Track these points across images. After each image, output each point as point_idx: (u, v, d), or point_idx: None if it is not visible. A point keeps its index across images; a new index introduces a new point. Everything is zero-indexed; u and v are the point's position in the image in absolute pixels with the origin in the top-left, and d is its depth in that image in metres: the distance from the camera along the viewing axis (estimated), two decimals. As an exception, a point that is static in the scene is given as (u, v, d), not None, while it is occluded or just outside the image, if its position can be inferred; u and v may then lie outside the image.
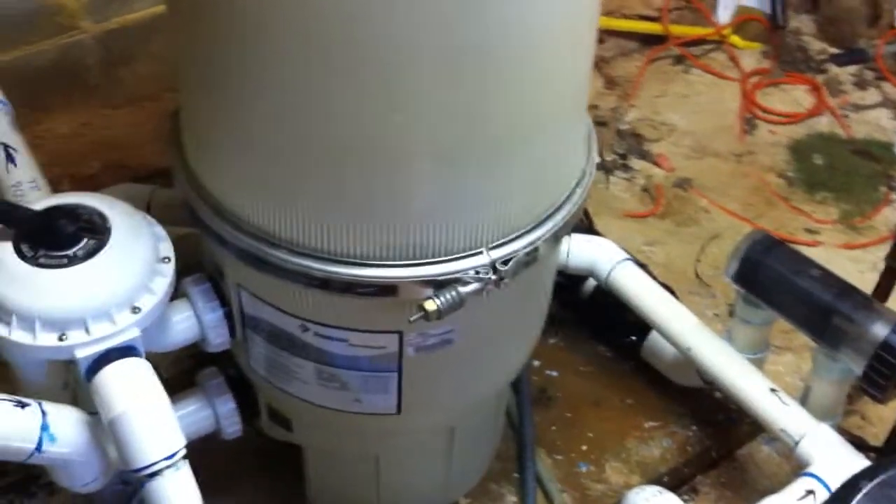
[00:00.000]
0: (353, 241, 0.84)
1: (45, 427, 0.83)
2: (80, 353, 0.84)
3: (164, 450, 0.82)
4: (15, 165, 1.06)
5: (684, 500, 1.04)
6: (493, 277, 0.85)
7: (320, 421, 1.03)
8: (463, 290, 0.84)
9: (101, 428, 0.87)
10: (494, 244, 0.86)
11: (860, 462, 1.02)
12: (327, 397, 0.98)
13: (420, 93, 0.76)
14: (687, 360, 1.18)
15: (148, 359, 0.88)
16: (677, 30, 2.00)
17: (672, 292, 1.24)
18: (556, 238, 0.91)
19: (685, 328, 1.18)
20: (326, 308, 0.89)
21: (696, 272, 1.53)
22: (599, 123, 1.76)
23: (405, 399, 0.97)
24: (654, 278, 1.25)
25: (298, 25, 0.74)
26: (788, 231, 1.61)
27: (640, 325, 1.27)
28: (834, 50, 2.01)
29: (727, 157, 1.76)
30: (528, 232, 0.88)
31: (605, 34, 1.95)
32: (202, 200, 0.90)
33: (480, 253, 0.85)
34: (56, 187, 1.09)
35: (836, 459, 1.03)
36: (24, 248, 0.85)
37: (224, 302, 0.97)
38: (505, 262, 0.86)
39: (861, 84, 1.94)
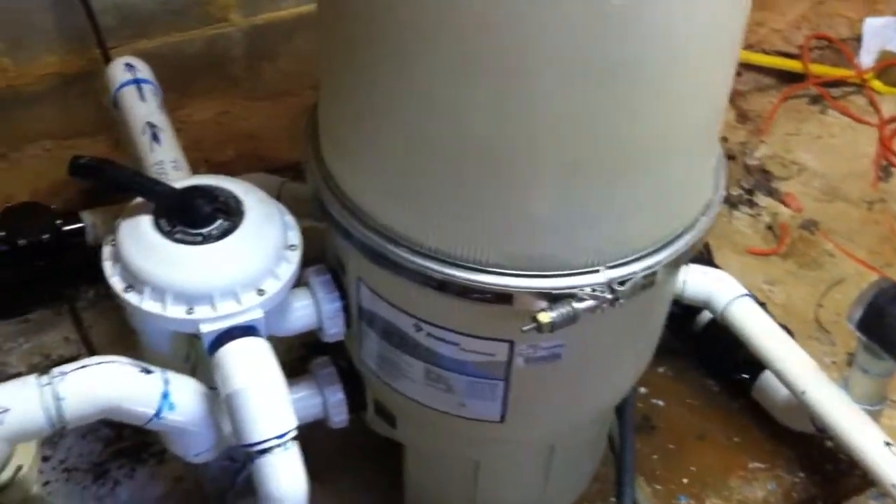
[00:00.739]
0: (473, 247, 0.85)
1: (165, 395, 0.86)
2: (205, 328, 0.88)
3: (276, 428, 0.84)
4: (159, 144, 1.11)
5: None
6: (609, 297, 0.85)
7: (424, 421, 1.04)
8: (577, 305, 0.84)
9: (217, 402, 0.90)
10: (613, 263, 0.86)
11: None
12: (433, 398, 1.00)
13: (553, 105, 0.76)
14: (800, 404, 1.15)
15: (266, 341, 0.91)
16: (817, 69, 1.96)
17: (790, 334, 1.22)
18: (675, 264, 0.91)
19: (801, 371, 1.15)
20: (441, 310, 0.90)
21: (816, 317, 1.49)
22: (728, 156, 1.73)
23: (509, 409, 0.98)
24: (772, 318, 1.23)
25: (437, 30, 0.75)
26: (917, 283, 1.55)
27: (753, 364, 1.25)
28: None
29: (858, 202, 1.71)
30: (647, 255, 0.88)
31: (742, 67, 1.92)
32: (332, 195, 0.92)
33: (598, 271, 0.85)
34: (193, 170, 1.14)
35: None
36: (163, 223, 0.90)
37: (343, 294, 1.00)
38: (622, 283, 0.85)
39: None
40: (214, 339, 0.88)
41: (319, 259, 1.01)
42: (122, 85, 1.20)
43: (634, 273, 0.86)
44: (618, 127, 0.78)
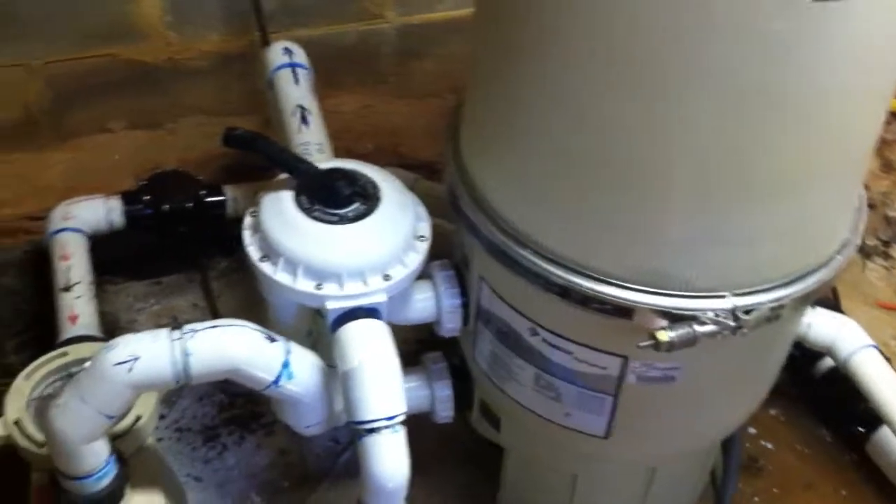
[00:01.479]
0: (599, 257, 0.85)
1: (286, 364, 0.89)
2: (331, 305, 0.91)
3: (387, 409, 0.86)
4: (307, 127, 1.15)
5: None
6: (732, 324, 0.84)
7: (528, 427, 1.04)
8: (699, 328, 0.83)
9: (333, 378, 0.93)
10: (740, 291, 0.85)
11: None
12: (540, 404, 1.00)
13: (701, 125, 0.76)
14: (916, 465, 1.12)
15: (384, 327, 0.93)
16: (973, 126, 1.88)
17: (914, 392, 1.18)
18: (804, 300, 0.89)
19: (923, 433, 1.12)
20: (559, 317, 0.91)
21: (942, 379, 1.43)
22: (869, 205, 1.67)
23: (615, 425, 0.98)
24: (897, 373, 1.19)
25: (593, 44, 0.76)
26: None
27: (871, 418, 1.21)
28: None
29: None
30: (777, 287, 0.86)
31: (892, 116, 1.87)
32: (466, 192, 0.94)
33: (724, 297, 0.84)
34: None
35: None
36: (303, 199, 0.93)
37: (464, 292, 1.02)
38: (747, 312, 0.84)
39: None
40: (338, 316, 0.91)
41: (442, 257, 1.04)
42: (279, 67, 1.26)
43: (761, 304, 0.85)
44: (763, 153, 0.77)
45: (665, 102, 0.76)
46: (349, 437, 1.27)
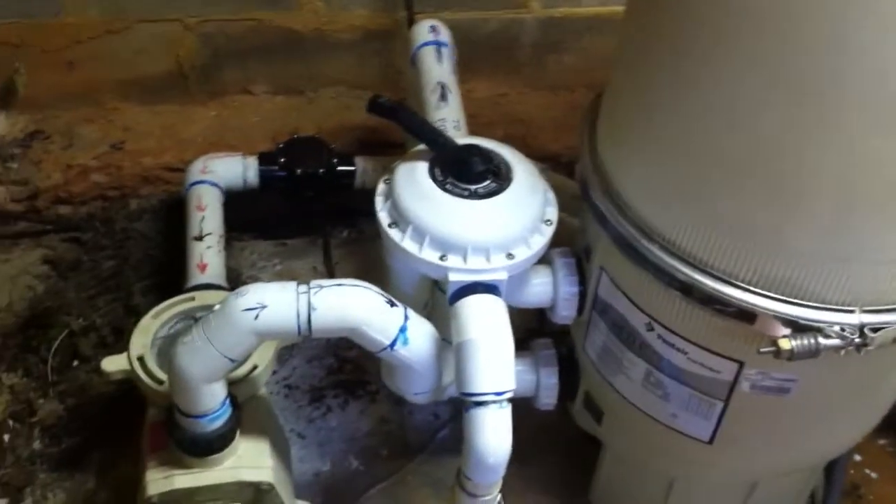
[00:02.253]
0: (727, 258, 0.85)
1: (403, 329, 0.91)
2: (453, 277, 0.92)
3: (497, 384, 0.88)
4: (446, 104, 1.17)
5: None
6: (857, 341, 0.82)
7: (631, 424, 1.04)
8: (822, 341, 0.82)
9: (445, 351, 0.95)
10: (869, 308, 0.83)
11: None
12: (647, 402, 1.00)
13: (855, 136, 0.75)
14: None
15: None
16: None
17: None
18: (935, 327, 0.87)
19: None
20: (678, 314, 0.91)
21: None
22: None
23: (721, 432, 0.97)
24: None
25: (749, 43, 0.76)
26: None
27: None
28: None
29: None
30: (908, 309, 0.85)
31: None
32: (598, 181, 0.95)
33: (853, 311, 0.83)
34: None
35: None
36: (437, 172, 0.95)
37: (582, 280, 1.02)
38: (875, 330, 0.83)
39: None
40: (458, 289, 0.93)
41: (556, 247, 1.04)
42: (424, 44, 1.28)
43: (890, 323, 0.83)
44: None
45: (817, 111, 0.75)
46: (449, 413, 1.29)
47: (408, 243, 0.93)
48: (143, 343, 1.06)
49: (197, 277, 1.21)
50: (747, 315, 0.85)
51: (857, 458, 1.27)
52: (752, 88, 0.77)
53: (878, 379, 0.97)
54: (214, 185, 1.33)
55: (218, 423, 0.96)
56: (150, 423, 1.04)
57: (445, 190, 0.94)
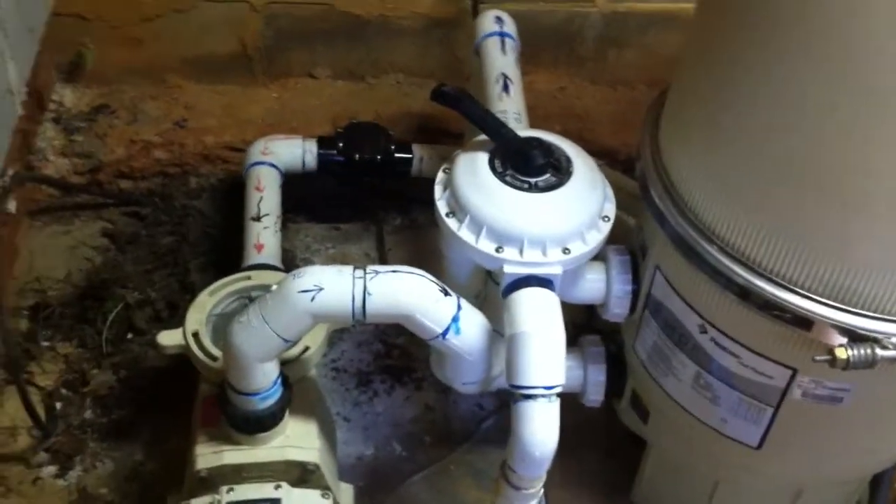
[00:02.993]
0: (787, 263, 0.84)
1: (456, 318, 0.91)
2: (508, 269, 0.92)
3: (547, 379, 0.88)
4: (508, 95, 1.17)
5: None
6: (915, 353, 0.82)
7: (678, 425, 1.04)
8: (880, 352, 0.81)
9: (496, 342, 0.95)
10: (931, 322, 0.83)
11: None
12: (695, 404, 1.00)
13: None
14: None
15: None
16: None
17: None
18: None
19: None
20: (733, 317, 0.90)
21: None
22: None
23: (770, 438, 0.97)
24: None
25: (823, 43, 0.75)
26: None
27: None
28: None
29: None
30: (971, 324, 0.84)
31: None
32: (658, 180, 0.94)
33: (915, 324, 0.82)
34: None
35: None
36: (497, 163, 0.96)
37: (636, 279, 1.02)
38: (935, 344, 0.82)
39: None
40: (513, 281, 0.93)
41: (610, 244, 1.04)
42: (489, 35, 1.28)
43: (950, 337, 0.82)
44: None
45: (884, 117, 0.74)
46: (494, 405, 1.30)
47: (465, 233, 0.94)
48: (198, 319, 1.08)
49: (253, 257, 1.23)
50: (804, 322, 0.84)
51: (905, 472, 1.25)
52: (821, 91, 0.76)
53: (935, 394, 0.95)
54: (273, 166, 1.35)
55: (269, 402, 0.98)
56: (202, 399, 1.06)
57: (505, 182, 0.94)
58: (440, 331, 0.92)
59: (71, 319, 1.33)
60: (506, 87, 1.18)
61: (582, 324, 1.22)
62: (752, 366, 0.92)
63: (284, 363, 1.01)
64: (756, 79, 0.81)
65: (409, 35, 1.53)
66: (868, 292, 0.82)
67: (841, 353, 0.81)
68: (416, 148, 1.41)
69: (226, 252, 1.37)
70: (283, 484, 1.00)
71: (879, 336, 0.82)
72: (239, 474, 1.01)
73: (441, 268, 1.03)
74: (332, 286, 0.90)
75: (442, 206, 0.96)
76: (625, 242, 1.05)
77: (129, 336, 1.32)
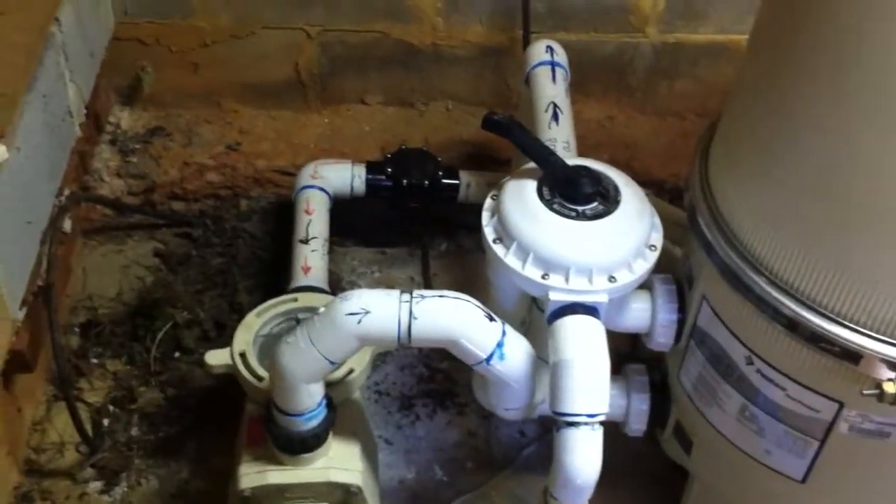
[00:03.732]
0: (836, 296, 0.84)
1: (500, 344, 0.92)
2: (554, 296, 0.93)
3: (591, 406, 0.88)
4: (557, 124, 1.18)
5: None
6: (965, 390, 0.81)
7: (722, 456, 1.03)
8: (929, 388, 0.81)
9: (541, 369, 0.96)
10: (982, 358, 0.81)
11: None
12: (740, 436, 0.99)
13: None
14: None
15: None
16: None
17: None
18: None
19: None
20: (780, 350, 0.90)
21: None
22: None
23: (815, 472, 0.96)
24: None
25: (877, 78, 0.75)
26: None
27: None
28: None
29: None
30: None
31: None
32: (707, 209, 0.95)
33: (964, 361, 0.81)
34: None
35: None
36: (545, 191, 0.96)
37: (682, 308, 1.02)
38: (984, 381, 0.81)
39: None
40: (558, 308, 0.93)
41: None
42: (539, 64, 1.29)
43: None
44: None
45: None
46: (536, 432, 1.29)
47: (511, 259, 0.94)
48: (245, 340, 1.10)
49: (300, 279, 1.24)
50: (852, 355, 0.84)
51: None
52: (881, 131, 0.76)
53: None
54: (323, 190, 1.37)
55: (314, 423, 0.99)
56: (248, 418, 1.08)
57: (552, 209, 0.95)
58: (484, 356, 0.92)
59: (121, 337, 1.35)
60: (555, 116, 1.18)
61: (626, 353, 1.22)
62: (799, 398, 0.91)
63: (329, 385, 1.02)
64: (809, 117, 0.81)
65: (460, 63, 1.55)
66: (917, 327, 0.81)
67: (889, 388, 0.80)
68: (463, 174, 1.43)
69: (274, 273, 1.39)
70: (326, 505, 1.00)
71: (929, 371, 0.81)
72: (282, 495, 1.02)
73: (487, 294, 1.03)
74: (378, 310, 0.91)
75: (489, 232, 0.97)
76: (670, 272, 1.05)
77: (177, 355, 1.34)
